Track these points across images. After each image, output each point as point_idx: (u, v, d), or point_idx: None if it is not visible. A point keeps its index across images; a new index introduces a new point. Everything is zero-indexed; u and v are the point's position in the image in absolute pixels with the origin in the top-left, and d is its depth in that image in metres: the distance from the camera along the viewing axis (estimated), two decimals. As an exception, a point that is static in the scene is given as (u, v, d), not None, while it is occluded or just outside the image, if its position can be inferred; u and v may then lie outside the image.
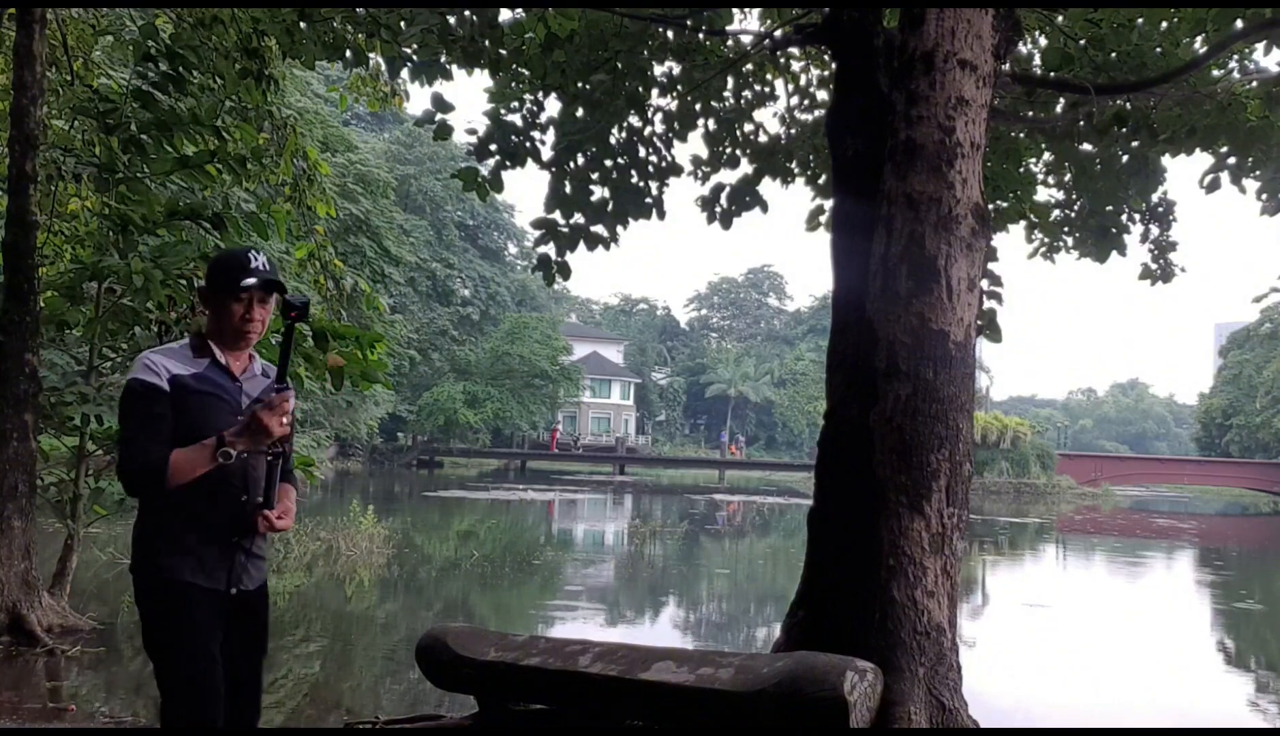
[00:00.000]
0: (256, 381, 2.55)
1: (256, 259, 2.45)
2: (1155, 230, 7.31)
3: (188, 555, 2.38)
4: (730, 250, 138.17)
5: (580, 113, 6.49)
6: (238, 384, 2.49)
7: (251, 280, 2.43)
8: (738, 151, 7.26)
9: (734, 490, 35.72)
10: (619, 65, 6.16)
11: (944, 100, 3.98)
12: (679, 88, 6.73)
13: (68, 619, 6.74)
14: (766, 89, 7.22)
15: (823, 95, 7.33)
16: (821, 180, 7.56)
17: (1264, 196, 6.67)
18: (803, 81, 7.40)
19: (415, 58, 6.18)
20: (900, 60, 4.16)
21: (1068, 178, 7.37)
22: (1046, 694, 6.87)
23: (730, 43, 6.59)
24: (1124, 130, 6.29)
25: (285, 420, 2.34)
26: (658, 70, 6.66)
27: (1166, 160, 6.92)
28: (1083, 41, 6.01)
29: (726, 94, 7.05)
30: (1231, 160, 6.56)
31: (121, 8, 9.40)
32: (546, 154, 6.57)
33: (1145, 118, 6.30)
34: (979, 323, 4.99)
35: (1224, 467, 51.99)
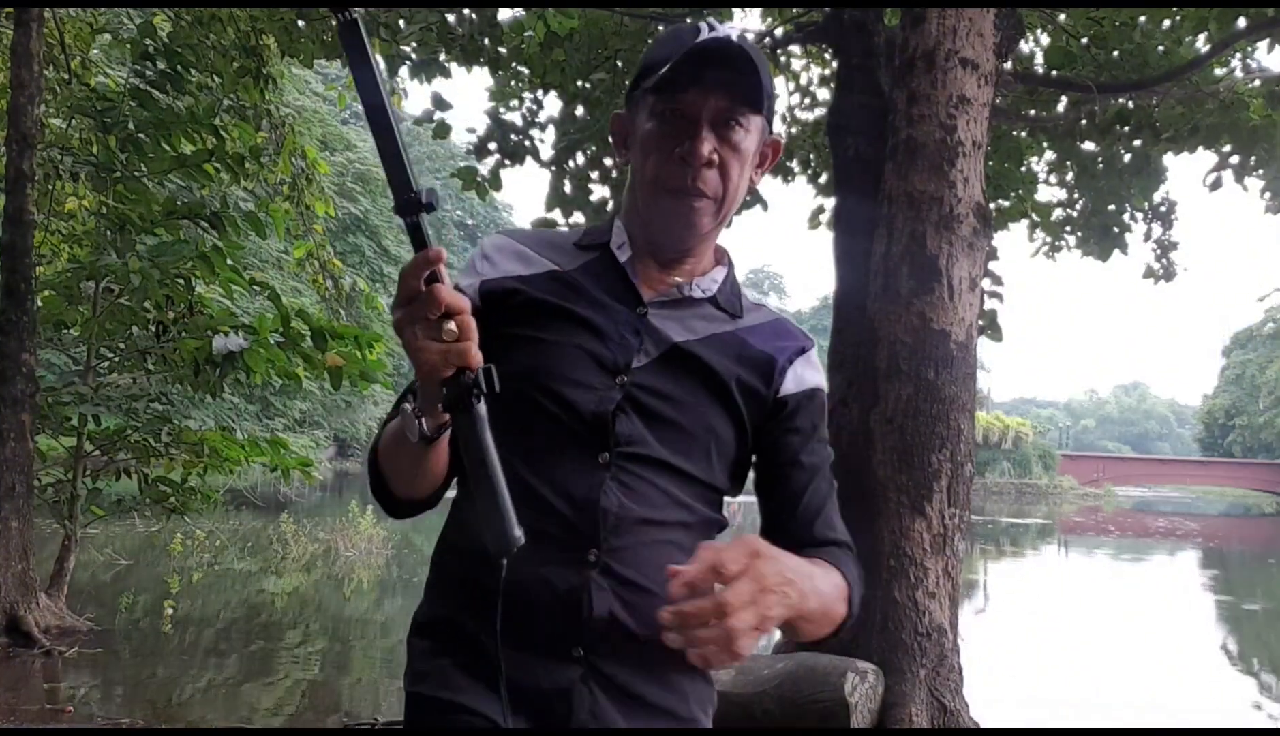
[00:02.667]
0: (700, 316, 1.16)
1: (712, 29, 1.07)
2: (1158, 229, 7.31)
3: (450, 680, 1.08)
4: (730, 250, 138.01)
5: (580, 112, 6.48)
6: (641, 312, 1.12)
7: (672, 63, 1.04)
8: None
9: (734, 490, 35.65)
10: (619, 64, 6.15)
11: (945, 99, 3.96)
12: (679, 86, 6.71)
13: (65, 620, 6.72)
14: (767, 88, 7.20)
15: (824, 94, 7.31)
16: (822, 179, 7.54)
17: (1267, 195, 6.66)
18: (803, 80, 7.39)
19: (414, 56, 6.16)
20: (901, 59, 4.14)
21: (1070, 176, 7.35)
22: (1046, 694, 6.84)
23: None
24: (1126, 129, 6.28)
25: (448, 322, 0.86)
26: (658, 69, 6.65)
27: (1170, 159, 6.92)
28: (1085, 40, 5.99)
29: (727, 93, 7.03)
30: (1234, 159, 6.55)
31: (120, 6, 9.39)
32: (546, 153, 6.56)
33: (1147, 116, 6.28)
34: (980, 322, 4.97)
35: (1227, 468, 52.00)
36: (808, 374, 1.19)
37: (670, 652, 0.90)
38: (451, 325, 0.85)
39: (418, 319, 0.86)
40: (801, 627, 1.01)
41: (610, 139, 1.22)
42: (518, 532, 0.88)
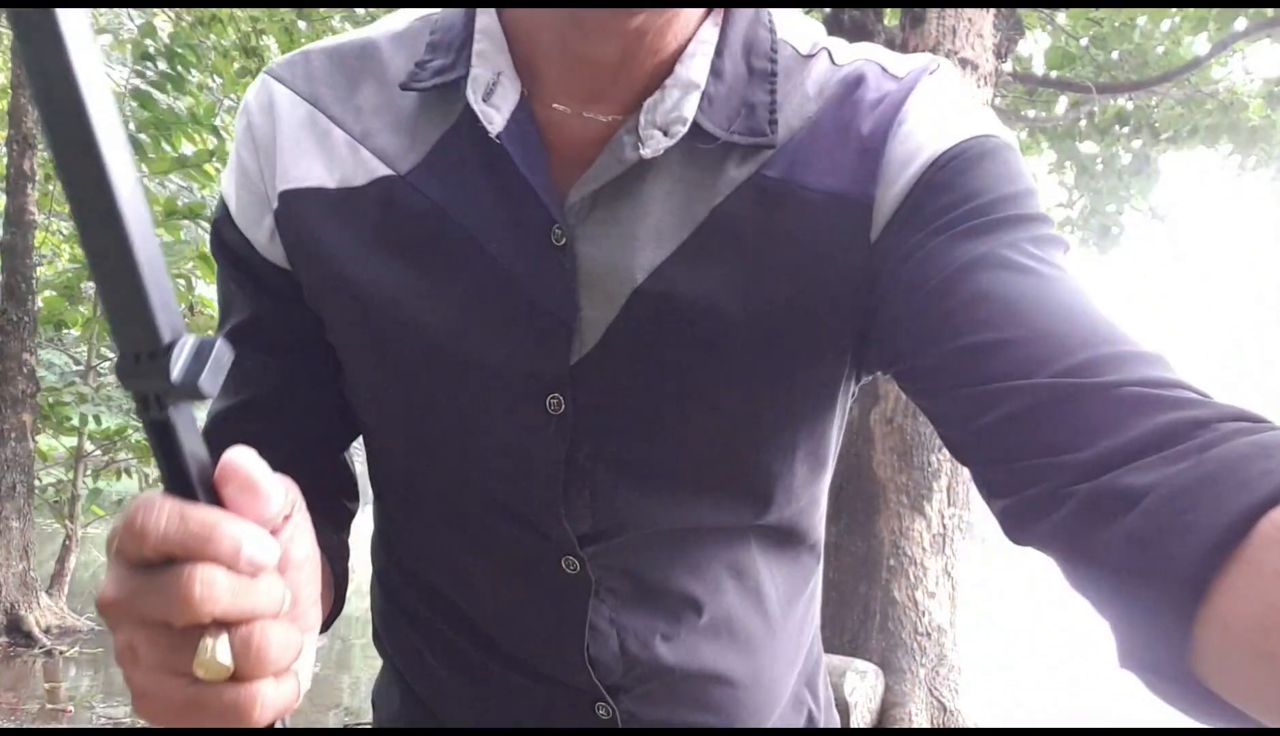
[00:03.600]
0: (680, 181, 0.52)
1: None
2: (1157, 229, 7.33)
3: None
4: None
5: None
6: (559, 240, 0.52)
7: None
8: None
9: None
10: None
11: (945, 99, 3.97)
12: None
13: (66, 619, 6.74)
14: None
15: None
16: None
17: (1267, 195, 6.68)
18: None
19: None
20: (901, 58, 4.16)
21: (1070, 176, 7.37)
22: (1046, 694, 6.86)
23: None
24: (1125, 129, 6.29)
25: (215, 642, 0.34)
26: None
27: (1169, 159, 6.94)
28: (1084, 40, 6.00)
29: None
30: (1234, 159, 6.57)
31: (120, 6, 9.40)
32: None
33: (1147, 117, 6.30)
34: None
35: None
36: (917, 139, 0.52)
37: None
38: (220, 652, 0.35)
39: (150, 622, 0.35)
40: None
41: None
42: None
